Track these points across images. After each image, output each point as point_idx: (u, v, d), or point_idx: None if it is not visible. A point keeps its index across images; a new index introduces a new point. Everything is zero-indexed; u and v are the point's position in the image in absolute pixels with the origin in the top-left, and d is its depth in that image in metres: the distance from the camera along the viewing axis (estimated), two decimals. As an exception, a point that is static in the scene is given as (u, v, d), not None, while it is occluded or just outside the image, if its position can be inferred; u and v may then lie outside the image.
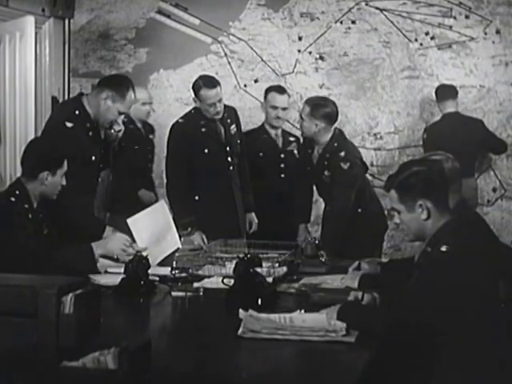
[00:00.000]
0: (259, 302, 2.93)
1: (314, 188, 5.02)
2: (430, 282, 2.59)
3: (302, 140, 5.09)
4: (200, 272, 3.56)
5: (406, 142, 6.26)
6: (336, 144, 4.60)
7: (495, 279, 2.65)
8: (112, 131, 4.12)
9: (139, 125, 5.49)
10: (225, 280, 3.17)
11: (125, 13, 6.47)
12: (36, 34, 5.76)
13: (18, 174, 3.70)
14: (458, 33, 6.12)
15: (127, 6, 6.48)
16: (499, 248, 2.84)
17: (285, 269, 3.59)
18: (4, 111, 5.63)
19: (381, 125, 6.25)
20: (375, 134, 6.24)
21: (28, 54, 5.49)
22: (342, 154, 4.56)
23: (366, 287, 3.03)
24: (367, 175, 5.06)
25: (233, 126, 4.92)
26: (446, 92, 5.94)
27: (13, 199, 3.46)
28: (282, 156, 5.21)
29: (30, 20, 5.50)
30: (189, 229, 4.26)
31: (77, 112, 4.04)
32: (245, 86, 6.34)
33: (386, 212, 4.84)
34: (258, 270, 3.17)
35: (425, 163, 2.89)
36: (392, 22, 6.18)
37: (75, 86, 6.39)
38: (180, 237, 4.04)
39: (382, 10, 6.19)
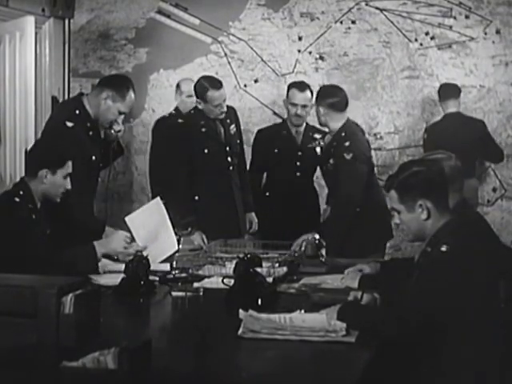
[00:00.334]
0: (259, 301, 2.93)
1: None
2: (430, 282, 2.59)
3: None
4: (200, 272, 3.56)
5: (406, 142, 6.26)
6: (344, 134, 4.56)
7: (495, 279, 2.65)
8: (112, 131, 4.12)
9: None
10: (225, 280, 3.17)
11: (125, 13, 6.47)
12: (36, 33, 5.75)
13: (18, 174, 3.71)
14: (458, 33, 6.12)
15: (127, 6, 6.47)
16: (499, 248, 2.84)
17: (285, 269, 3.59)
18: (4, 111, 5.63)
19: (381, 125, 6.25)
20: (375, 134, 6.24)
21: (28, 54, 5.49)
22: (347, 143, 4.53)
23: (366, 287, 3.03)
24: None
25: (232, 126, 4.92)
26: (448, 91, 5.93)
27: (17, 199, 3.46)
28: (300, 154, 5.09)
29: (30, 20, 5.50)
30: (189, 229, 4.26)
31: (77, 112, 4.05)
32: (245, 85, 6.34)
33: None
34: (258, 269, 3.17)
35: (425, 163, 2.90)
36: (392, 22, 6.18)
37: (75, 85, 6.39)
38: (179, 237, 4.03)
39: (382, 10, 6.19)
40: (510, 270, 2.70)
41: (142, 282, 3.19)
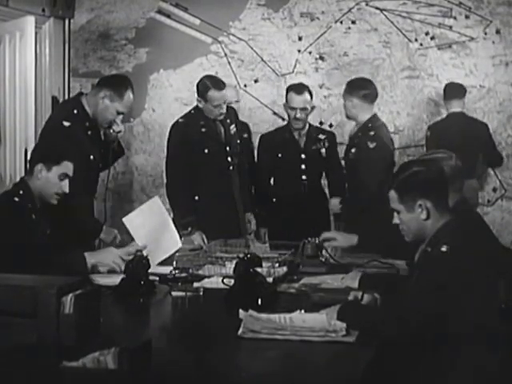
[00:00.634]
0: (259, 301, 2.93)
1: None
2: (430, 282, 2.59)
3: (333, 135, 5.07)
4: (200, 272, 3.56)
5: (406, 141, 6.26)
6: (370, 125, 4.65)
7: (495, 279, 2.65)
8: (111, 131, 4.11)
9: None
10: (225, 280, 3.17)
11: (125, 13, 6.47)
12: (36, 33, 5.76)
13: (18, 174, 3.72)
14: (458, 33, 6.12)
15: (127, 6, 6.48)
16: (499, 248, 2.84)
17: (285, 269, 3.59)
18: (4, 111, 5.64)
19: (381, 125, 6.25)
20: (375, 134, 6.24)
21: (28, 54, 5.49)
22: (372, 133, 4.62)
23: (366, 287, 3.03)
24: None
25: (232, 126, 4.92)
26: (453, 91, 5.93)
27: (16, 199, 3.46)
28: (303, 157, 5.01)
29: (30, 20, 5.51)
30: (189, 229, 4.26)
31: (75, 111, 4.04)
32: (245, 85, 6.34)
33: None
34: (258, 269, 3.17)
35: (425, 163, 2.89)
36: (392, 22, 6.18)
37: (75, 85, 6.39)
38: (180, 236, 4.04)
39: (382, 10, 6.19)
40: (510, 270, 2.70)
41: (142, 282, 3.19)
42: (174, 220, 4.18)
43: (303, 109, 4.90)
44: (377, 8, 6.20)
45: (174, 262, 3.63)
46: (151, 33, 6.43)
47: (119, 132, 4.14)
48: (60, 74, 6.35)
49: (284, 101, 5.06)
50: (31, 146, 4.87)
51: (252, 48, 6.33)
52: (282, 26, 6.32)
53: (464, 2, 6.10)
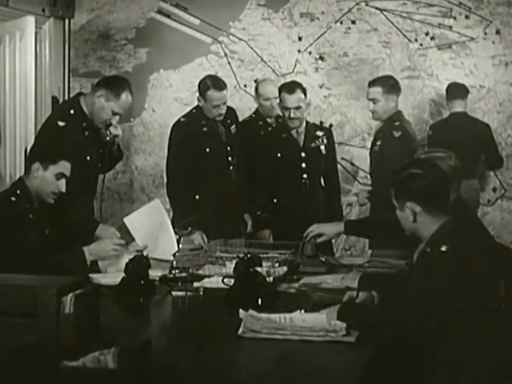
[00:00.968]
0: (259, 301, 2.93)
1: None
2: (429, 282, 2.59)
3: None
4: (200, 272, 3.56)
5: (406, 142, 6.25)
6: (395, 118, 4.69)
7: (495, 279, 2.65)
8: (108, 132, 4.04)
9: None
10: (225, 280, 3.17)
11: (125, 13, 6.47)
12: (36, 33, 5.76)
13: (18, 174, 3.72)
14: (457, 33, 6.12)
15: (127, 6, 6.48)
16: (499, 248, 2.84)
17: (285, 269, 3.59)
18: (4, 111, 5.64)
19: (381, 125, 6.24)
20: (375, 134, 6.23)
21: (28, 54, 5.49)
22: (397, 123, 4.66)
23: (365, 287, 3.02)
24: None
25: (233, 127, 4.92)
26: (455, 91, 5.93)
27: (13, 199, 3.46)
28: (303, 155, 4.92)
29: (30, 20, 5.51)
30: (189, 228, 4.25)
31: (72, 111, 4.02)
32: (245, 86, 6.34)
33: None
34: (258, 269, 3.17)
35: (423, 166, 2.86)
36: (392, 23, 6.18)
37: (75, 85, 6.39)
38: (180, 237, 4.03)
39: (382, 11, 6.19)
40: (510, 270, 2.70)
41: (142, 282, 3.19)
42: (173, 220, 4.18)
43: (297, 108, 4.80)
44: (377, 8, 6.20)
45: (174, 262, 3.62)
46: (151, 33, 6.43)
47: (117, 136, 4.09)
48: (60, 74, 6.35)
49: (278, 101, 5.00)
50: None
51: (252, 48, 6.33)
52: (282, 26, 6.32)
53: (464, 2, 6.09)
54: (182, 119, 4.86)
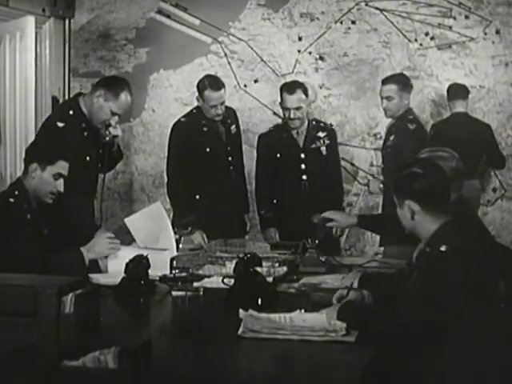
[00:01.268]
0: (259, 301, 2.93)
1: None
2: (429, 282, 2.59)
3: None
4: (200, 271, 3.57)
5: (406, 142, 6.25)
6: (408, 113, 4.73)
7: (495, 279, 2.65)
8: (107, 132, 4.04)
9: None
10: (225, 280, 3.17)
11: (125, 13, 6.47)
12: (36, 33, 5.75)
13: (18, 174, 3.71)
14: (457, 33, 6.11)
15: (127, 6, 6.47)
16: (498, 248, 2.84)
17: (285, 269, 3.59)
18: (4, 111, 5.63)
19: (381, 125, 6.23)
20: (375, 134, 6.23)
21: (28, 54, 5.49)
22: (411, 117, 4.70)
23: (365, 287, 3.02)
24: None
25: (233, 127, 4.93)
26: (457, 91, 5.94)
27: (11, 200, 3.45)
28: (303, 156, 4.86)
29: (30, 20, 5.51)
30: (189, 228, 4.25)
31: (71, 112, 4.02)
32: (245, 86, 6.34)
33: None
34: (258, 269, 3.17)
35: (426, 165, 2.86)
36: (392, 23, 6.18)
37: (75, 85, 6.39)
38: (180, 236, 4.02)
39: (381, 11, 6.19)
40: (510, 270, 2.70)
41: (142, 282, 3.19)
42: (174, 219, 4.17)
43: (297, 108, 4.75)
44: (377, 8, 6.19)
45: (174, 262, 3.63)
46: (151, 33, 6.43)
47: (116, 136, 4.09)
48: (60, 74, 6.35)
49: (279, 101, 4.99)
50: (31, 146, 4.88)
51: (252, 48, 6.33)
52: (282, 26, 6.32)
53: (464, 2, 6.09)
54: (182, 119, 4.87)
